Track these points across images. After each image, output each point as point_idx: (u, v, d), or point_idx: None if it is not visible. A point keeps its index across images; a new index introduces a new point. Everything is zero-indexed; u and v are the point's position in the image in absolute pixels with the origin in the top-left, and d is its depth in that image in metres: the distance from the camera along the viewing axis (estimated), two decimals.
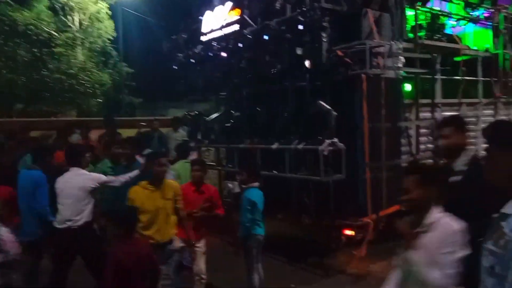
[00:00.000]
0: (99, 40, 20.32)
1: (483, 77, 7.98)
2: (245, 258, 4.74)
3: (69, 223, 4.40)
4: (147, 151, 6.75)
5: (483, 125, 7.93)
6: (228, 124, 6.93)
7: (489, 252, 1.76)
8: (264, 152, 6.18)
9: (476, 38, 8.24)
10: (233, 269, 5.28)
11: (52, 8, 19.03)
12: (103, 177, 4.73)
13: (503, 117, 8.45)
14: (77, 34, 19.67)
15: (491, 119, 8.21)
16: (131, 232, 3.40)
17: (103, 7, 19.92)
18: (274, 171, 6.05)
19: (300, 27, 5.37)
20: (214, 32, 6.82)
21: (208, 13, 6.99)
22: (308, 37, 5.32)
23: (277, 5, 5.94)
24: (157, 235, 4.21)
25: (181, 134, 9.97)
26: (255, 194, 4.68)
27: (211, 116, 7.60)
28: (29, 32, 18.04)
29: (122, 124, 10.91)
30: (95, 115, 18.43)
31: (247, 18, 6.15)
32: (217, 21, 6.73)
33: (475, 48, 7.96)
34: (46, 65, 18.48)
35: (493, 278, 1.72)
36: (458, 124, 3.23)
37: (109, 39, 20.58)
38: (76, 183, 4.47)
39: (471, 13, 8.40)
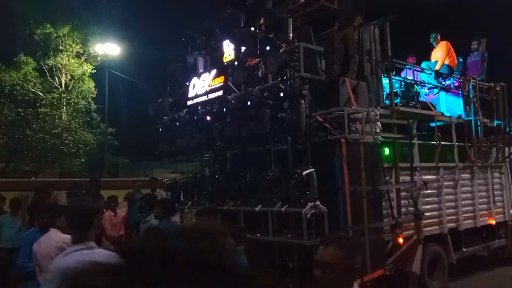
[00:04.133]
0: (83, 100, 20.61)
1: (457, 142, 8.31)
2: None
3: None
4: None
5: (462, 189, 8.14)
6: (211, 186, 6.95)
7: None
8: (247, 214, 6.16)
9: (449, 105, 8.68)
10: None
11: (39, 70, 19.44)
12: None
13: (480, 180, 8.68)
14: (63, 95, 19.95)
15: (469, 182, 8.44)
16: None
17: (88, 69, 20.44)
18: (257, 234, 5.99)
19: (281, 94, 5.62)
20: (199, 97, 7.05)
21: (194, 79, 7.27)
22: (289, 104, 5.55)
23: (260, 74, 6.24)
24: None
25: (160, 194, 9.90)
26: (241, 259, 4.60)
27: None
28: (15, 92, 18.29)
29: (104, 185, 10.78)
30: (77, 176, 18.20)
31: (231, 85, 6.41)
32: (202, 87, 6.98)
33: (448, 114, 8.36)
34: (29, 124, 18.51)
35: None
36: None
37: (92, 99, 20.88)
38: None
39: (442, 82, 8.93)
